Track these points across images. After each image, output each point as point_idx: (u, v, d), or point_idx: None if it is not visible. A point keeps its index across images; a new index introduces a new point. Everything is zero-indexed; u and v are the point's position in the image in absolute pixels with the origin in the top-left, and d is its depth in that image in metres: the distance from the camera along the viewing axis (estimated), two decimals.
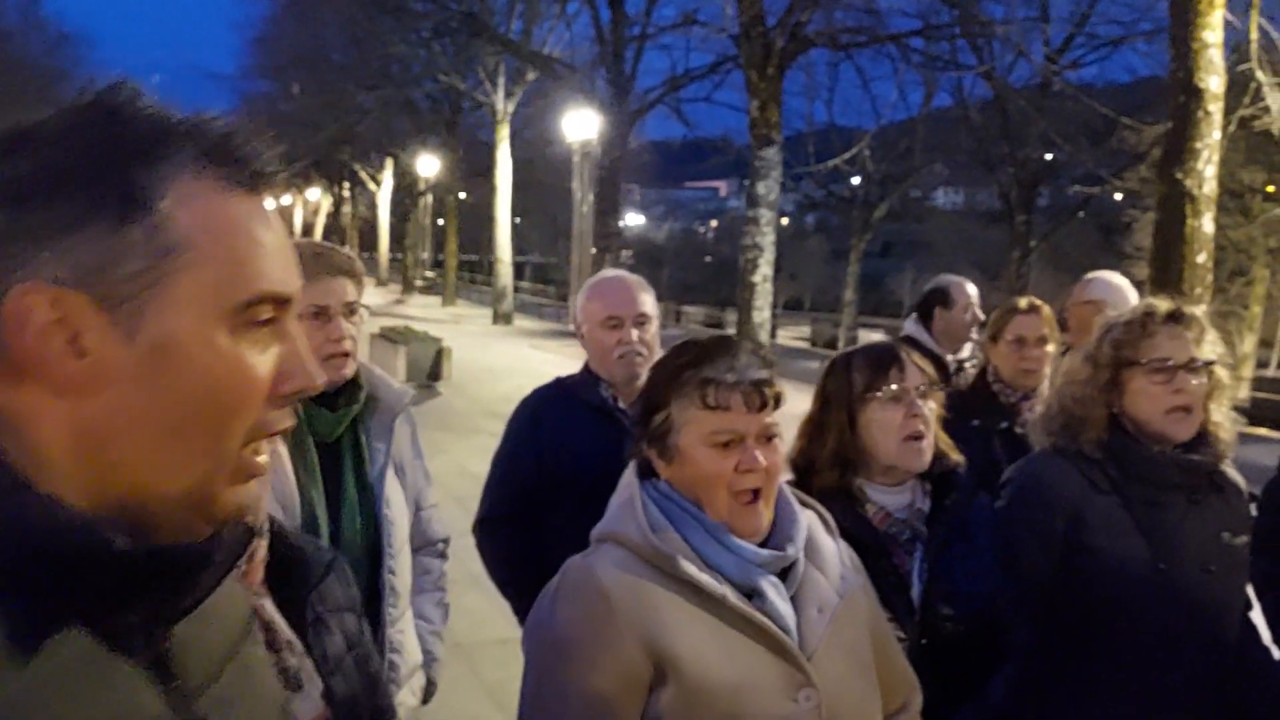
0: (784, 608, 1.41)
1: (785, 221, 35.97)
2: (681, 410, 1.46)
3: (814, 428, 1.94)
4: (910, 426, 1.83)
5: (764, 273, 12.18)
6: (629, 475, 1.53)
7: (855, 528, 1.79)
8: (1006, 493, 2.12)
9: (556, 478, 2.49)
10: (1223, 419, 2.04)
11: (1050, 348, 3.05)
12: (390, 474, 2.09)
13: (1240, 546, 2.05)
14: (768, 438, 1.45)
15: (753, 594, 1.41)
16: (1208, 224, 7.43)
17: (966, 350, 3.95)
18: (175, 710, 0.67)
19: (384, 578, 1.97)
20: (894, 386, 1.85)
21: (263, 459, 0.72)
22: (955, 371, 3.68)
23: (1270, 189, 20.24)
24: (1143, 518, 1.98)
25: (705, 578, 1.38)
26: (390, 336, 14.37)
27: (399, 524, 2.06)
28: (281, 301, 0.71)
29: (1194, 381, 1.98)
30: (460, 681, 4.48)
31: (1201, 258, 7.31)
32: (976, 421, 2.90)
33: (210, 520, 0.69)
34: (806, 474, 1.92)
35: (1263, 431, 10.97)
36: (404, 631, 2.06)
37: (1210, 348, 2.02)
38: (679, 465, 1.47)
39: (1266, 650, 2.11)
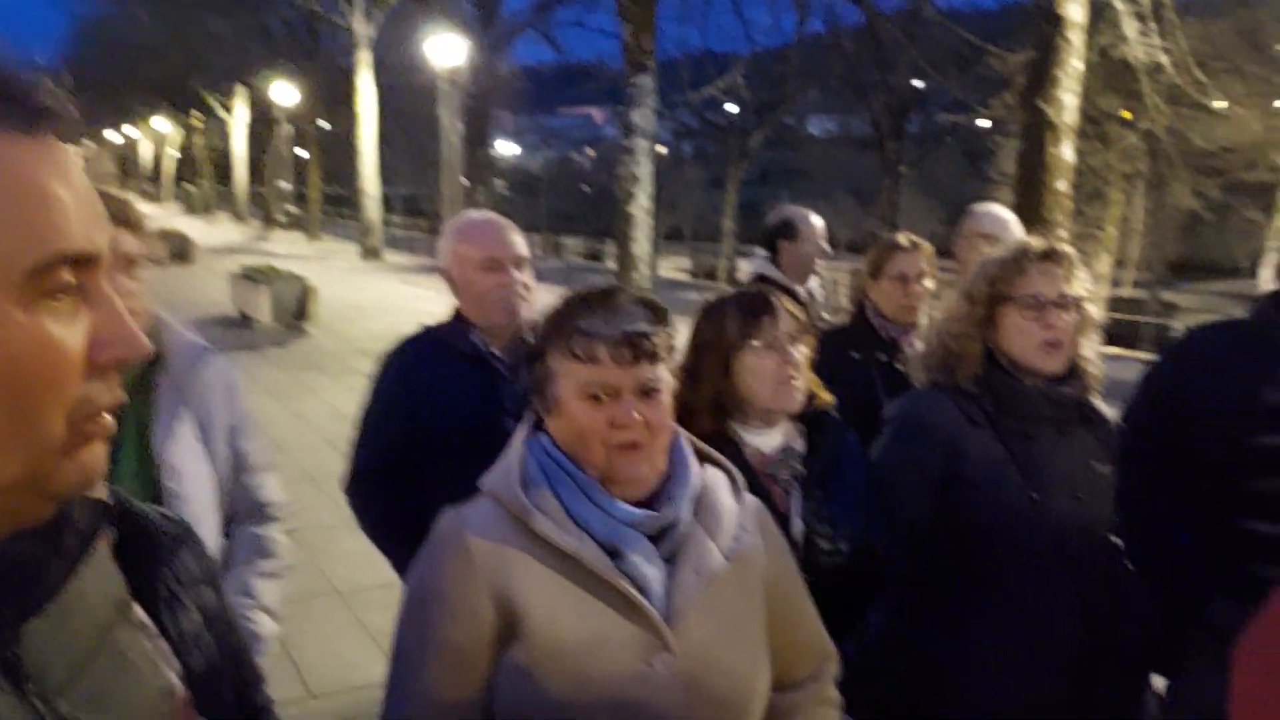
0: (650, 570, 1.37)
1: (662, 150, 35.85)
2: (557, 361, 1.42)
3: (690, 375, 1.94)
4: (783, 372, 1.88)
5: (642, 204, 12.07)
6: (521, 429, 1.48)
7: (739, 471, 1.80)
8: (887, 429, 2.15)
9: (431, 430, 2.39)
10: (1091, 353, 2.11)
11: (929, 283, 3.09)
12: (182, 440, 1.91)
13: (1107, 474, 2.13)
14: (646, 391, 1.39)
15: (619, 554, 1.37)
16: (1068, 152, 7.67)
17: (814, 282, 4.01)
18: (35, 715, 0.62)
19: None
20: (767, 333, 1.89)
21: (105, 420, 0.65)
22: (808, 302, 3.73)
23: (1126, 115, 21.10)
24: (1015, 449, 2.03)
25: (562, 536, 1.35)
26: (253, 276, 13.80)
27: (191, 496, 1.88)
28: (86, 261, 0.63)
29: (1065, 317, 2.04)
30: (344, 628, 4.45)
31: (1062, 185, 7.55)
32: (856, 355, 2.92)
33: (52, 497, 0.64)
34: (683, 421, 1.90)
35: (1115, 350, 11.58)
36: None
37: (1080, 284, 2.08)
38: (558, 418, 1.43)
39: (1128, 569, 2.17)
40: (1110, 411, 2.17)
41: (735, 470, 1.53)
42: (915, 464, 2.06)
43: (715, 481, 1.48)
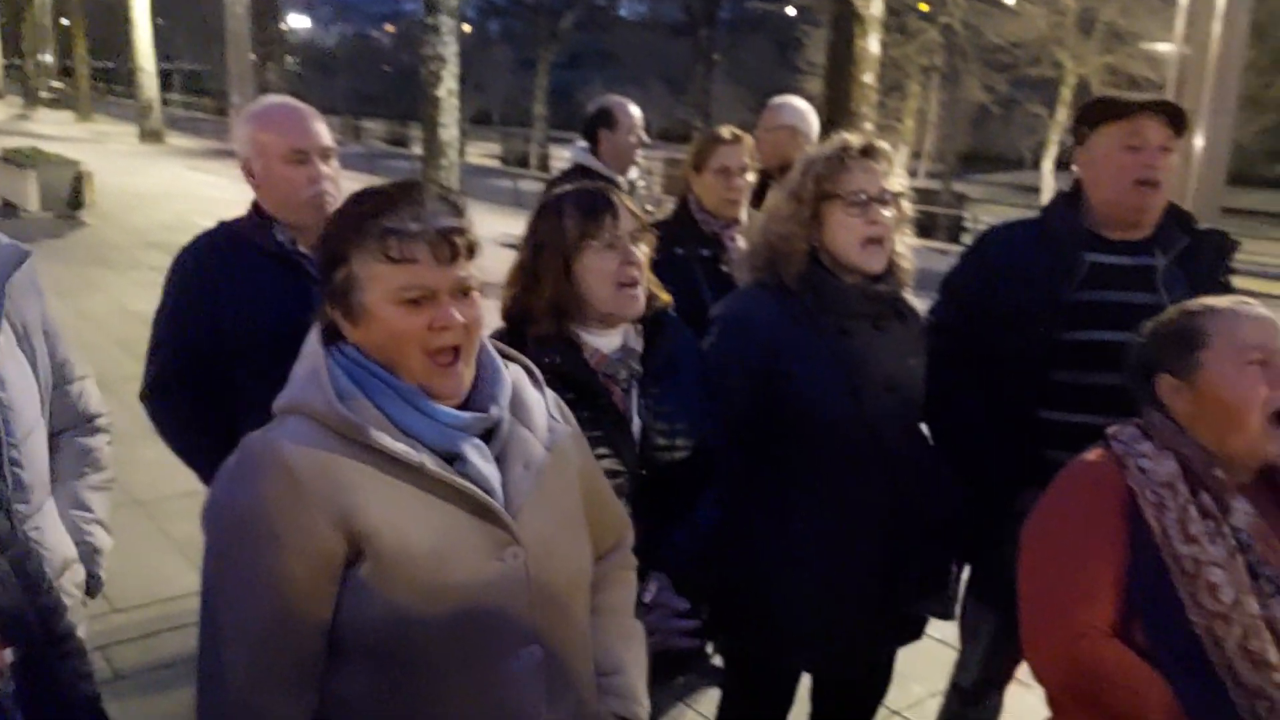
0: (487, 469, 1.36)
1: (467, 29, 34.40)
2: (364, 265, 1.32)
3: (528, 276, 1.89)
4: (625, 273, 1.84)
5: (449, 86, 11.53)
6: (312, 341, 1.38)
7: (575, 371, 1.83)
8: (714, 328, 2.16)
9: (235, 334, 2.24)
10: (904, 249, 2.16)
11: (751, 177, 3.09)
12: (4, 349, 1.73)
13: (919, 367, 2.21)
14: (463, 291, 1.34)
15: (454, 458, 1.34)
16: (874, 44, 7.81)
17: (635, 172, 4.01)
18: None
19: (5, 471, 1.65)
20: (608, 234, 1.84)
21: None
22: (629, 192, 3.73)
23: (924, 8, 21.79)
24: (834, 345, 2.09)
25: (400, 446, 1.29)
26: (16, 160, 12.50)
27: (20, 408, 1.72)
28: None
29: (886, 213, 2.07)
30: (148, 539, 4.27)
31: (869, 78, 7.72)
32: (680, 250, 2.91)
33: None
34: (522, 323, 1.88)
35: (913, 241, 12.13)
36: (41, 528, 1.77)
37: (897, 180, 2.11)
38: (366, 326, 1.34)
39: (937, 457, 2.29)
40: (921, 307, 2.25)
41: (529, 363, 1.53)
42: (740, 361, 2.08)
43: (518, 376, 1.48)
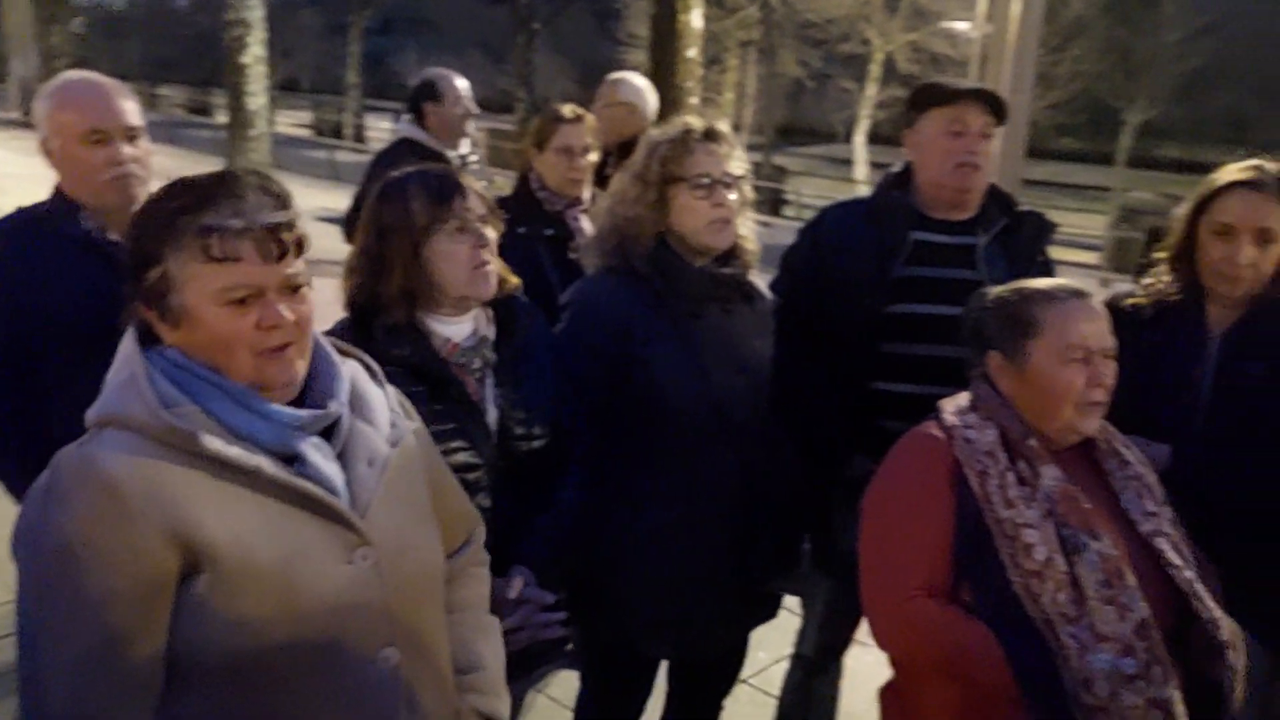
0: (330, 468, 1.30)
1: None
2: (181, 265, 1.23)
3: (373, 262, 1.81)
4: (477, 257, 1.80)
5: (255, 52, 10.91)
6: (128, 346, 1.28)
7: (427, 363, 1.78)
8: (565, 315, 2.14)
9: (35, 330, 2.06)
10: (748, 232, 2.18)
11: (593, 156, 3.06)
12: None
13: (766, 348, 2.25)
14: (292, 288, 1.28)
15: (293, 459, 1.28)
16: (697, 19, 7.91)
17: (465, 146, 3.94)
18: None
19: None
20: (458, 217, 1.79)
21: None
22: (460, 167, 3.66)
23: None
24: (685, 328, 2.10)
25: (235, 451, 1.22)
26: None
27: None
28: None
29: (730, 196, 2.09)
30: None
31: (693, 52, 7.81)
32: (522, 229, 2.86)
33: None
34: (369, 312, 1.81)
35: None
36: None
37: (738, 163, 2.13)
38: (188, 328, 1.26)
39: (783, 435, 2.34)
40: (766, 291, 2.29)
41: (368, 358, 1.48)
42: (592, 346, 2.07)
43: (356, 372, 1.43)
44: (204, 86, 33.84)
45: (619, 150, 3.29)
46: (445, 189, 1.81)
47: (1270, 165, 2.05)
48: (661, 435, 2.09)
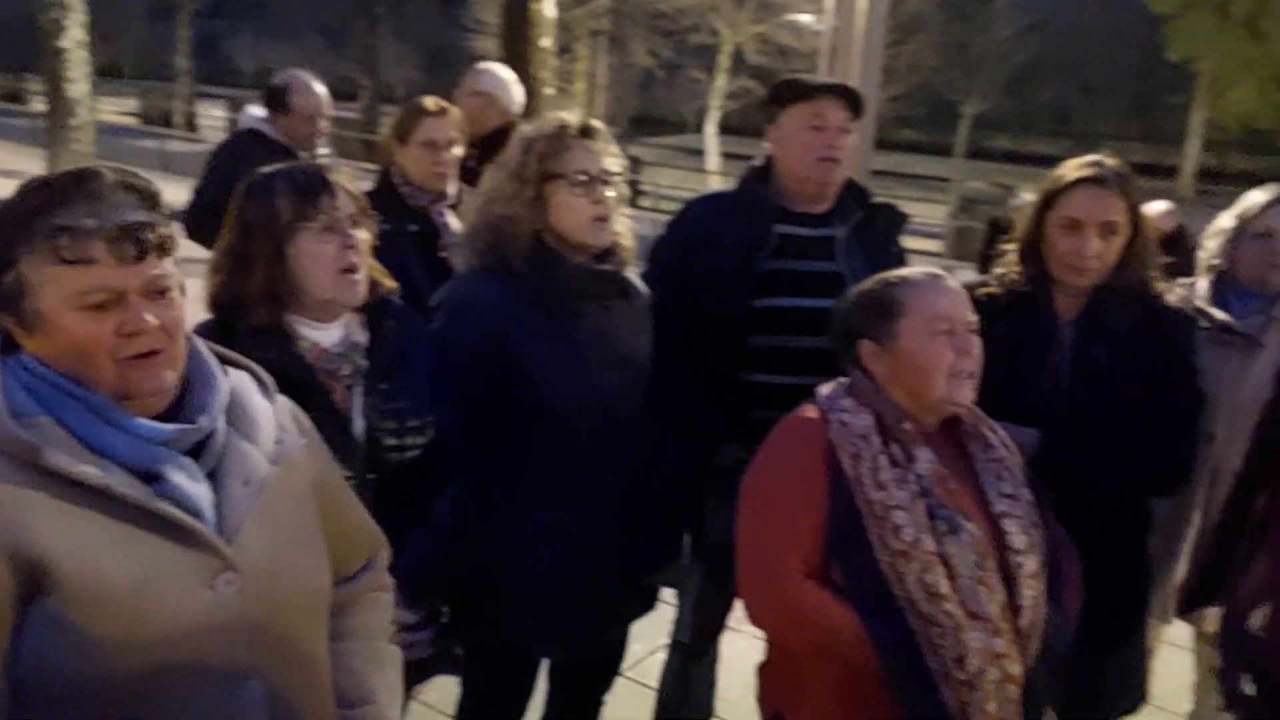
0: (195, 488, 1.23)
1: None
2: (35, 268, 1.17)
3: (237, 261, 1.73)
4: (345, 259, 1.73)
5: (75, 36, 10.22)
6: None
7: (291, 368, 1.69)
8: (439, 315, 2.08)
9: None
10: (624, 228, 2.18)
11: (459, 150, 2.99)
12: None
13: (645, 345, 2.25)
14: (158, 291, 1.21)
15: (155, 478, 1.21)
16: (549, 8, 7.86)
17: (322, 148, 3.84)
18: None
19: None
20: (325, 216, 1.72)
21: None
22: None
23: None
24: (565, 327, 2.07)
25: (82, 468, 1.15)
26: None
27: None
28: None
29: (608, 193, 2.08)
30: None
31: (546, 41, 7.75)
32: (386, 225, 2.77)
33: None
34: (233, 312, 1.73)
35: None
36: None
37: (614, 160, 2.12)
38: (45, 335, 1.19)
39: (663, 428, 2.36)
40: (644, 287, 2.29)
41: (259, 369, 1.41)
42: (469, 348, 2.02)
43: (242, 384, 1.36)
44: (16, 72, 31.58)
45: (481, 143, 3.24)
46: (313, 186, 1.73)
47: (1109, 161, 2.18)
48: (544, 436, 2.07)
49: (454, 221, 2.93)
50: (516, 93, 3.75)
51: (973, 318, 1.81)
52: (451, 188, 3.01)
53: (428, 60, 32.70)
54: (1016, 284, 2.23)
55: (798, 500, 1.73)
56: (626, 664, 2.52)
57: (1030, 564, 1.74)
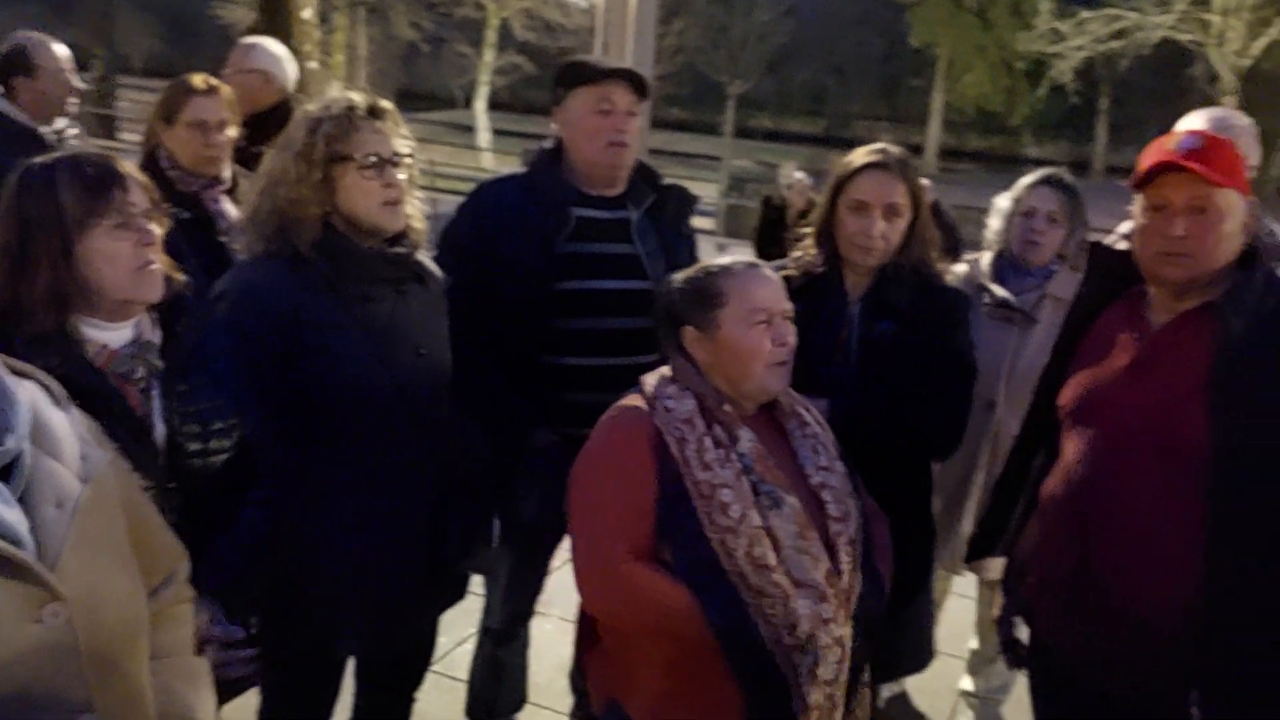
0: (10, 514, 1.13)
1: None
2: None
3: (12, 262, 1.58)
4: (142, 256, 1.62)
5: None
6: None
7: (78, 374, 1.55)
8: (223, 306, 1.95)
9: None
10: (415, 211, 2.12)
11: (232, 131, 2.81)
12: None
13: (442, 329, 2.20)
14: None
15: None
16: None
17: (62, 121, 3.52)
18: None
19: None
20: (119, 211, 1.60)
21: None
22: (57, 144, 3.27)
23: None
24: (360, 313, 2.01)
25: None
26: None
27: None
28: None
29: (400, 175, 2.02)
30: None
31: (308, 14, 7.40)
32: None
33: None
34: (11, 318, 1.58)
35: None
36: None
37: (403, 141, 2.06)
38: None
39: (466, 413, 2.32)
40: (438, 271, 2.24)
41: (49, 379, 1.30)
42: (261, 341, 1.91)
43: (35, 397, 1.25)
44: None
45: (253, 122, 3.06)
46: (103, 179, 1.60)
47: (892, 148, 2.33)
48: (345, 426, 2.00)
49: (230, 208, 2.76)
50: (290, 69, 3.56)
51: (788, 306, 1.89)
52: (226, 171, 2.82)
53: (168, 30, 30.51)
54: (812, 266, 2.34)
55: (626, 485, 1.77)
56: (434, 659, 2.48)
57: (847, 531, 1.84)
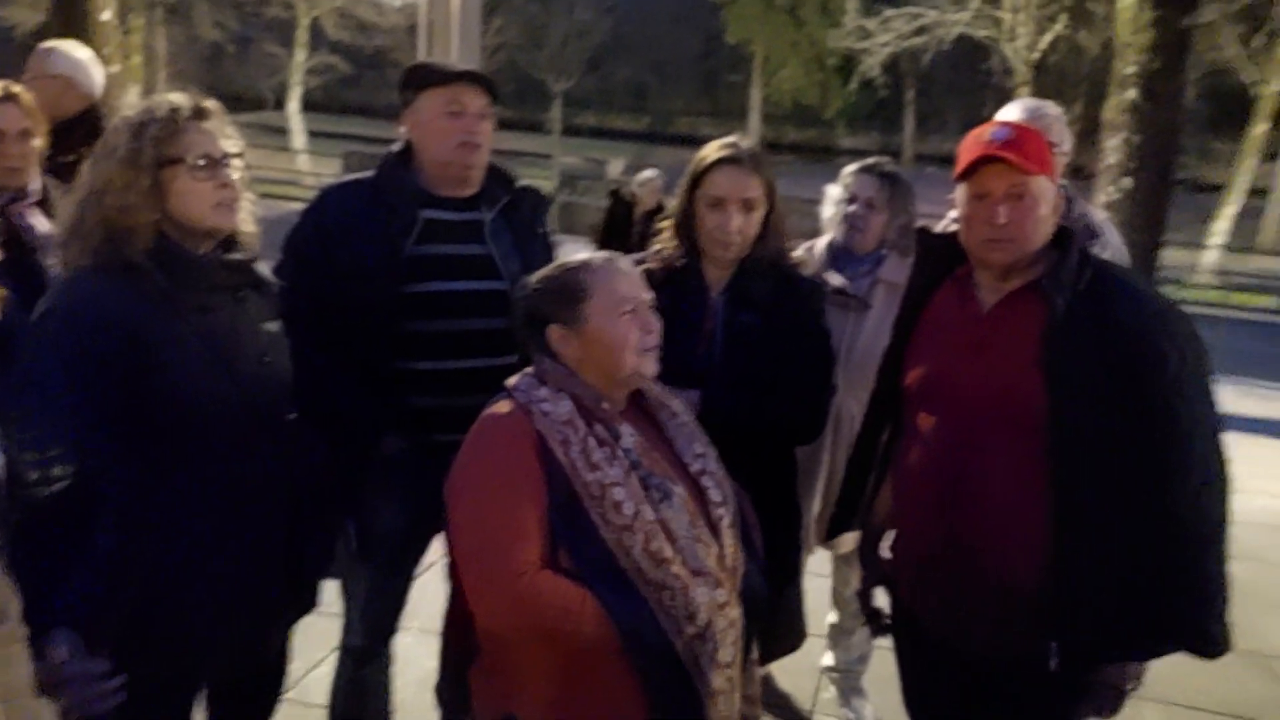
0: None
1: None
2: None
3: None
4: None
5: None
6: None
7: None
8: (51, 323, 1.81)
9: None
10: (247, 214, 2.04)
11: (37, 142, 2.61)
12: None
13: (280, 334, 2.12)
14: None
15: None
16: None
17: None
18: None
19: None
20: None
21: None
22: None
23: None
24: (199, 323, 1.92)
25: None
26: None
27: None
28: None
29: (233, 174, 1.95)
30: None
31: (107, 15, 6.95)
32: None
33: None
34: None
35: None
36: None
37: (233, 142, 1.99)
38: None
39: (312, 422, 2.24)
40: (270, 275, 2.15)
41: None
42: (96, 359, 1.78)
43: None
44: None
45: (56, 131, 2.85)
46: None
47: (744, 142, 2.36)
48: (192, 442, 1.89)
49: (40, 221, 2.56)
50: (96, 73, 3.36)
51: (650, 295, 1.90)
52: (33, 183, 2.62)
53: None
54: (672, 259, 2.37)
55: (517, 494, 1.72)
56: (286, 686, 2.37)
57: (728, 515, 1.87)
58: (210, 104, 1.97)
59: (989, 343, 1.97)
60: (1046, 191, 1.94)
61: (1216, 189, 20.50)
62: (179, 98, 1.95)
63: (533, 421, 1.78)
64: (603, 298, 1.83)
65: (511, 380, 1.88)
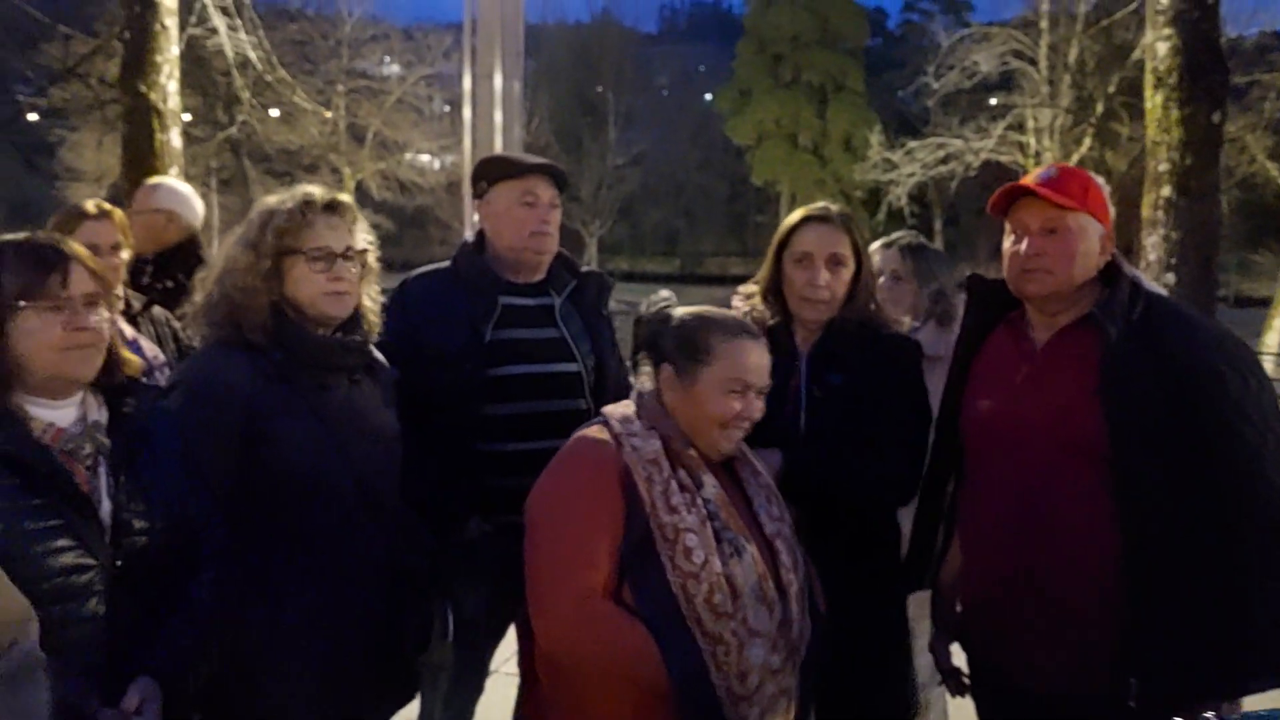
0: None
1: None
2: None
3: None
4: (73, 339, 1.64)
5: None
6: None
7: (23, 451, 1.57)
8: (178, 393, 1.95)
9: None
10: (371, 303, 2.17)
11: (125, 254, 2.91)
12: None
13: (393, 418, 2.21)
14: None
15: None
16: (176, 139, 7.55)
17: None
18: None
19: None
20: (53, 294, 1.63)
21: None
22: None
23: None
24: (315, 401, 2.01)
25: None
26: None
27: None
28: None
29: (351, 269, 2.07)
30: None
31: (175, 171, 7.40)
32: None
33: None
34: None
35: None
36: None
37: (361, 237, 2.13)
38: None
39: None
40: (384, 359, 2.26)
41: None
42: (216, 427, 1.91)
43: None
44: None
45: (158, 259, 3.11)
46: (46, 263, 1.64)
47: (833, 205, 2.38)
48: (301, 515, 1.97)
49: (124, 327, 2.76)
50: (197, 205, 3.68)
51: (768, 382, 1.90)
52: (117, 293, 2.84)
53: (8, 214, 29.74)
54: (761, 320, 2.32)
55: (596, 518, 1.75)
56: None
57: (797, 580, 1.86)
58: (344, 198, 2.13)
59: (1045, 376, 1.98)
60: (1087, 228, 1.97)
61: (1259, 303, 20.31)
62: (314, 190, 2.11)
63: (622, 453, 1.80)
64: (721, 369, 1.85)
65: (610, 408, 1.94)
